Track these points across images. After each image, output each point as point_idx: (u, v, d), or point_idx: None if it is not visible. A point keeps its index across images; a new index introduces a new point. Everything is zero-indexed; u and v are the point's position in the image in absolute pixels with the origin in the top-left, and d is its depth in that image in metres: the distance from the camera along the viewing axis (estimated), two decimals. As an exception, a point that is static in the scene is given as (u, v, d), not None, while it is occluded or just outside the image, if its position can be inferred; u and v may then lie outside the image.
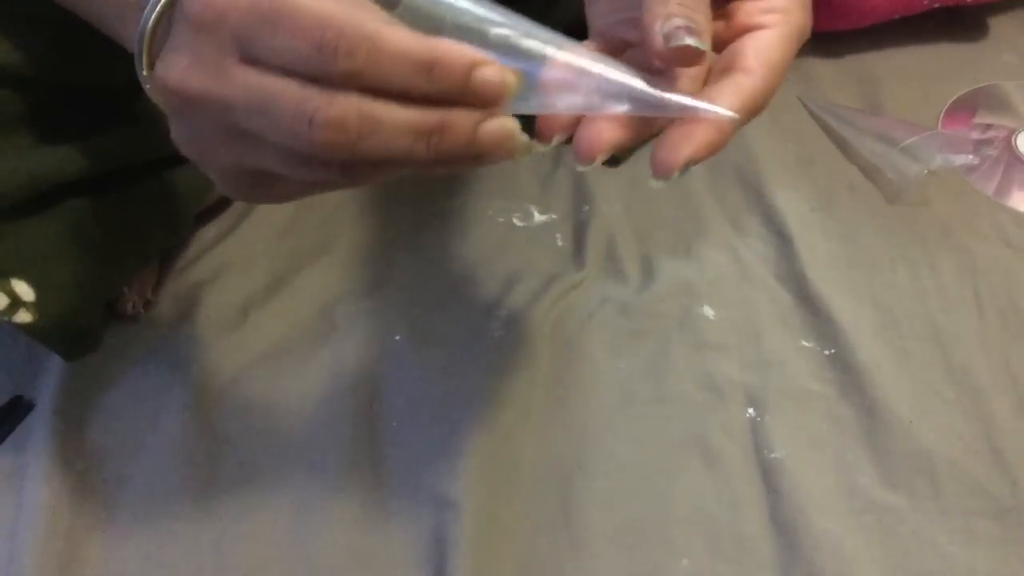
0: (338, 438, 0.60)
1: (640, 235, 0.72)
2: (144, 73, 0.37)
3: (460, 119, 0.32)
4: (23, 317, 0.52)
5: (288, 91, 0.31)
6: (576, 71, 0.35)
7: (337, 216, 0.75)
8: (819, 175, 0.75)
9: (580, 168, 0.37)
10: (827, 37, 0.86)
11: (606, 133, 0.36)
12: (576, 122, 0.37)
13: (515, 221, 0.74)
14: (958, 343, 0.63)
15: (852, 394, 0.60)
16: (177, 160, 0.62)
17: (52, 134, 0.53)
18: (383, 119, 0.31)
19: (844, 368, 0.62)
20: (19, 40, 0.49)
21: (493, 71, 0.32)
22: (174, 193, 0.62)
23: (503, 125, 0.33)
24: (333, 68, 0.31)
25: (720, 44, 0.39)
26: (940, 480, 0.56)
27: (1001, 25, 0.87)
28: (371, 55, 0.31)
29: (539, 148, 0.38)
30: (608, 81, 0.36)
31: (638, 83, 0.36)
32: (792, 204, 0.72)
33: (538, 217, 0.74)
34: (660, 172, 0.36)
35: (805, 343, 0.64)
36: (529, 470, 0.58)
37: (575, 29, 0.47)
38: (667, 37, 0.35)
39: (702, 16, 0.36)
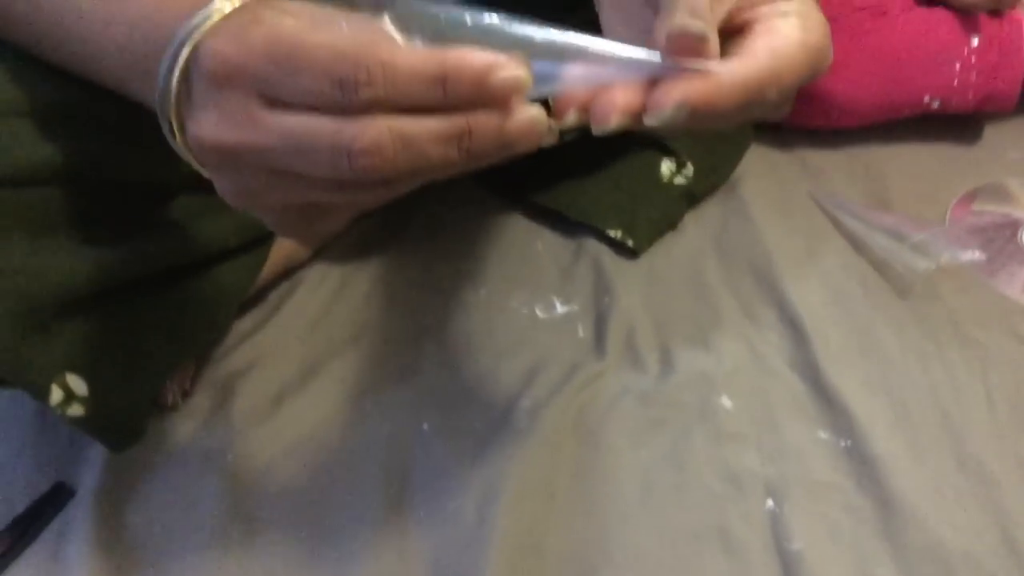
0: (367, 526, 0.62)
1: (659, 326, 0.75)
2: (176, 139, 0.40)
3: (485, 119, 0.34)
4: (76, 411, 0.54)
5: (320, 128, 0.33)
6: (587, 54, 0.37)
7: (367, 307, 0.78)
8: (831, 269, 0.78)
9: (595, 131, 0.38)
10: (835, 134, 0.90)
11: (619, 97, 0.37)
12: (589, 99, 0.38)
13: (537, 312, 0.76)
14: (970, 435, 0.65)
15: (868, 485, 0.62)
16: (219, 257, 0.65)
17: (102, 235, 0.55)
18: (414, 134, 0.33)
19: (860, 460, 0.63)
20: (67, 139, 0.52)
21: (506, 73, 0.33)
22: (217, 288, 0.65)
23: (530, 116, 0.34)
24: (356, 99, 0.32)
25: (733, 48, 0.40)
26: (955, 571, 0.57)
27: (1005, 123, 0.91)
28: (388, 79, 0.32)
29: (555, 126, 0.39)
30: (616, 57, 0.37)
31: (642, 52, 0.37)
32: (805, 297, 0.75)
33: (560, 308, 0.77)
34: (652, 109, 0.37)
35: (822, 434, 0.66)
36: (553, 560, 0.60)
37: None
38: (670, 33, 0.36)
39: (704, 23, 0.37)
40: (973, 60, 0.85)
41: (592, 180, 0.83)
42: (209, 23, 0.37)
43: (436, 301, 0.78)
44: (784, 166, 0.90)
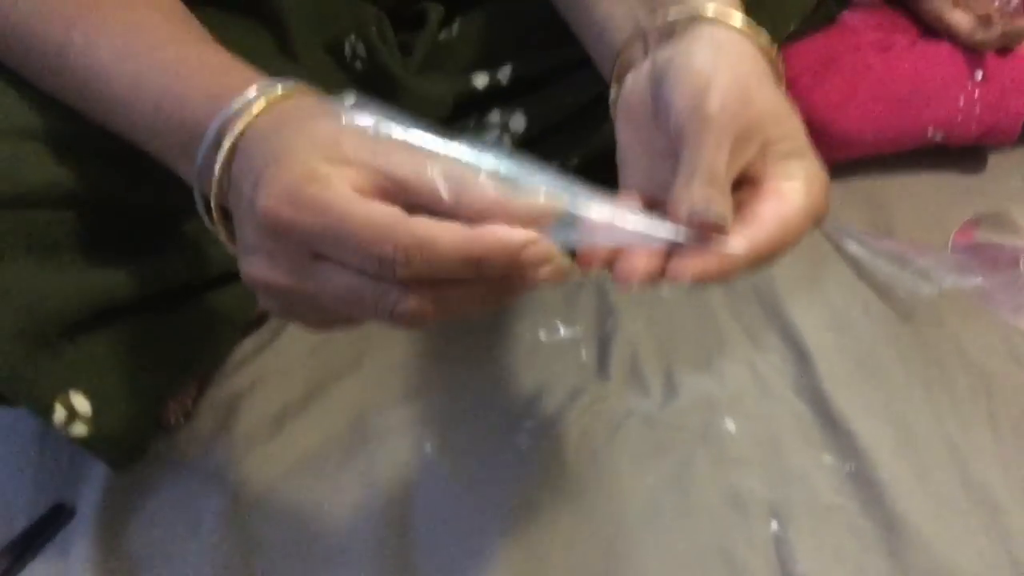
0: (369, 547, 0.62)
1: (663, 350, 0.74)
2: (212, 222, 0.43)
3: (517, 284, 0.37)
4: (79, 430, 0.54)
5: (365, 289, 0.36)
6: (612, 219, 0.39)
7: (369, 330, 0.78)
8: (834, 294, 0.78)
9: (618, 291, 0.41)
10: (837, 163, 0.90)
11: (641, 264, 0.40)
12: (613, 255, 0.41)
13: (541, 336, 0.76)
14: (974, 459, 0.65)
15: (873, 509, 0.62)
16: (224, 280, 0.65)
17: (108, 257, 0.56)
18: (452, 298, 0.36)
19: (864, 483, 0.63)
20: (75, 164, 0.52)
21: (538, 249, 0.36)
22: (221, 311, 0.65)
23: (555, 266, 0.37)
24: (395, 277, 0.35)
25: (744, 208, 0.42)
26: (962, 596, 0.57)
27: (1008, 152, 0.91)
28: (425, 260, 0.35)
29: (577, 272, 0.42)
30: (638, 229, 0.40)
31: (662, 225, 0.40)
32: (808, 322, 0.75)
33: (563, 332, 0.77)
34: (671, 279, 0.40)
35: (826, 458, 0.65)
36: (557, 582, 0.60)
37: (602, 159, 0.50)
38: (691, 215, 0.39)
39: (722, 203, 0.40)
40: (976, 94, 0.85)
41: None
42: (241, 124, 0.40)
43: (439, 324, 0.78)
44: (786, 192, 0.90)
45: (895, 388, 0.70)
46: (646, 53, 0.47)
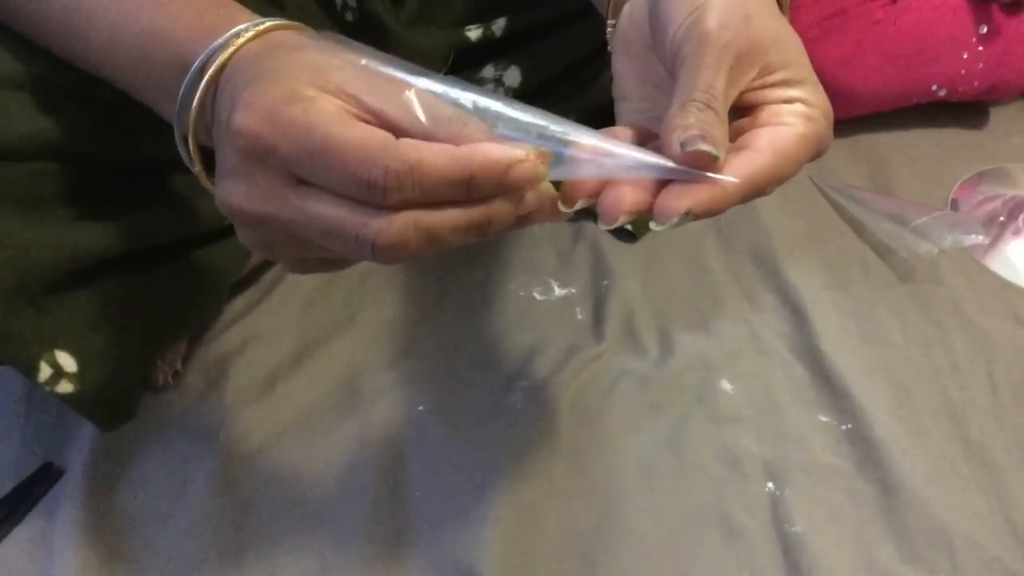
0: (362, 507, 0.61)
1: (658, 309, 0.74)
2: (193, 164, 0.42)
3: (503, 208, 0.35)
4: (64, 387, 0.53)
5: (346, 219, 0.34)
6: (599, 151, 0.38)
7: (362, 289, 0.77)
8: (832, 253, 0.77)
9: (603, 227, 0.39)
10: (838, 119, 0.89)
11: (628, 196, 0.38)
12: (598, 188, 0.39)
13: (535, 295, 0.75)
14: (972, 419, 0.64)
15: (870, 469, 0.61)
16: (213, 237, 0.64)
17: (94, 211, 0.55)
18: (436, 227, 0.34)
19: (861, 443, 0.63)
20: (61, 114, 0.51)
21: (527, 167, 0.34)
22: (210, 268, 0.64)
23: (542, 196, 0.36)
24: (383, 201, 0.33)
25: (739, 136, 0.40)
26: (958, 554, 0.57)
27: (1007, 110, 0.90)
28: (416, 183, 0.33)
29: (564, 209, 0.40)
30: (625, 156, 0.38)
31: (650, 157, 0.38)
32: (806, 281, 0.74)
33: (558, 291, 0.76)
34: (660, 218, 0.37)
35: (822, 418, 0.65)
36: (550, 541, 0.59)
37: (601, 115, 0.49)
38: (683, 144, 0.36)
39: (718, 129, 0.37)
40: (980, 49, 0.84)
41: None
42: (227, 53, 0.38)
43: (432, 283, 0.77)
44: (785, 150, 0.89)
45: (893, 348, 0.69)
46: None
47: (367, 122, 0.35)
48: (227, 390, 0.69)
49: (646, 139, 0.44)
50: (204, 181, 0.42)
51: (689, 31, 0.38)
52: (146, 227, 0.57)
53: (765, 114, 0.40)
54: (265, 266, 0.78)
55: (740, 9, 0.38)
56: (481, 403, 0.67)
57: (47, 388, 0.52)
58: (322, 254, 0.38)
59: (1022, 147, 0.87)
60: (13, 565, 0.59)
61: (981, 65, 0.84)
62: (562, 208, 0.39)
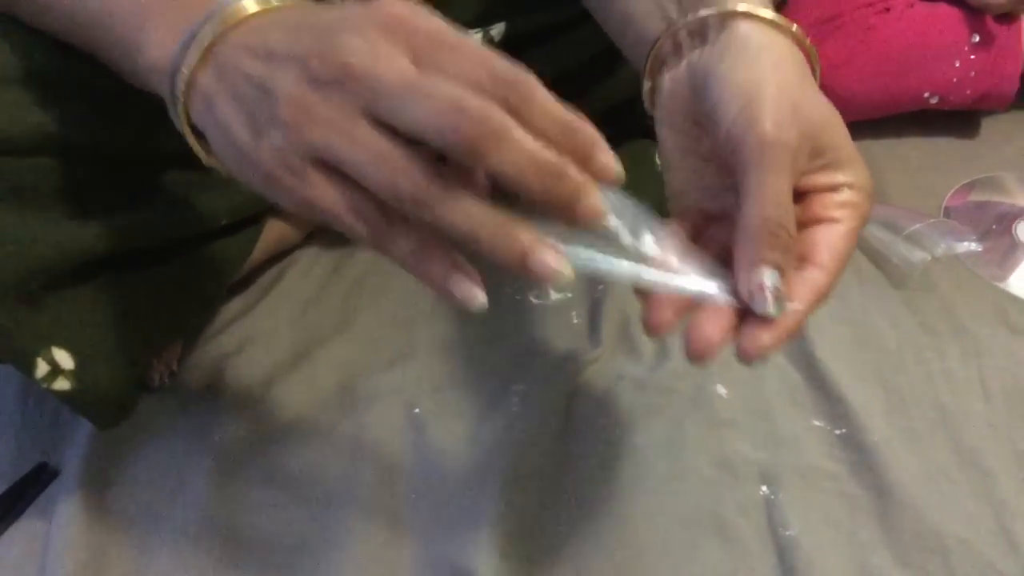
0: (358, 509, 0.61)
1: (653, 314, 0.74)
2: (182, 121, 0.40)
3: (576, 174, 0.35)
4: (61, 385, 0.53)
5: (439, 88, 0.33)
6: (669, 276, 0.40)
7: (358, 291, 0.77)
8: (826, 259, 0.78)
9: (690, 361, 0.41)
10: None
11: (715, 337, 0.40)
12: (678, 317, 0.42)
13: (531, 298, 0.76)
14: (965, 425, 0.65)
15: (863, 473, 0.62)
16: (211, 236, 0.64)
17: (93, 208, 0.55)
18: (517, 137, 0.33)
19: (855, 448, 0.63)
20: (57, 109, 0.51)
21: (608, 160, 0.36)
22: (208, 267, 0.64)
23: (597, 206, 0.36)
24: (496, 94, 0.34)
25: (796, 226, 0.42)
26: (951, 559, 0.57)
27: (1000, 119, 0.91)
28: (527, 102, 0.34)
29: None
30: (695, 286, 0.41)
31: (722, 294, 0.41)
32: (800, 287, 0.74)
33: (554, 294, 0.76)
34: (746, 358, 0.40)
35: (816, 422, 0.65)
36: (546, 544, 0.59)
37: (602, 120, 0.49)
38: (751, 296, 0.40)
39: (790, 256, 0.40)
40: (972, 58, 0.85)
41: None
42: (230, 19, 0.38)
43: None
44: (779, 158, 0.89)
45: (886, 353, 0.70)
46: (677, 51, 0.46)
47: None
48: (224, 391, 0.69)
49: (703, 226, 0.46)
50: (196, 148, 0.41)
51: (745, 129, 0.40)
52: (145, 225, 0.58)
53: (816, 206, 0.42)
54: (263, 267, 0.78)
55: (788, 99, 0.40)
56: (477, 406, 0.67)
57: (44, 385, 0.53)
58: (335, 211, 0.36)
59: (1015, 156, 0.88)
60: (8, 565, 0.59)
61: (973, 73, 0.85)
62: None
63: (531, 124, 0.34)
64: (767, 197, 0.39)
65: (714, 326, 0.40)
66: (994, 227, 0.79)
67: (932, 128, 0.90)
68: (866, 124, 0.90)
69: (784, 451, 0.63)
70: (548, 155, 0.34)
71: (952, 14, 0.85)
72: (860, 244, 0.78)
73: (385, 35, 0.34)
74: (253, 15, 0.38)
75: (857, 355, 0.70)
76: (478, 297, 0.37)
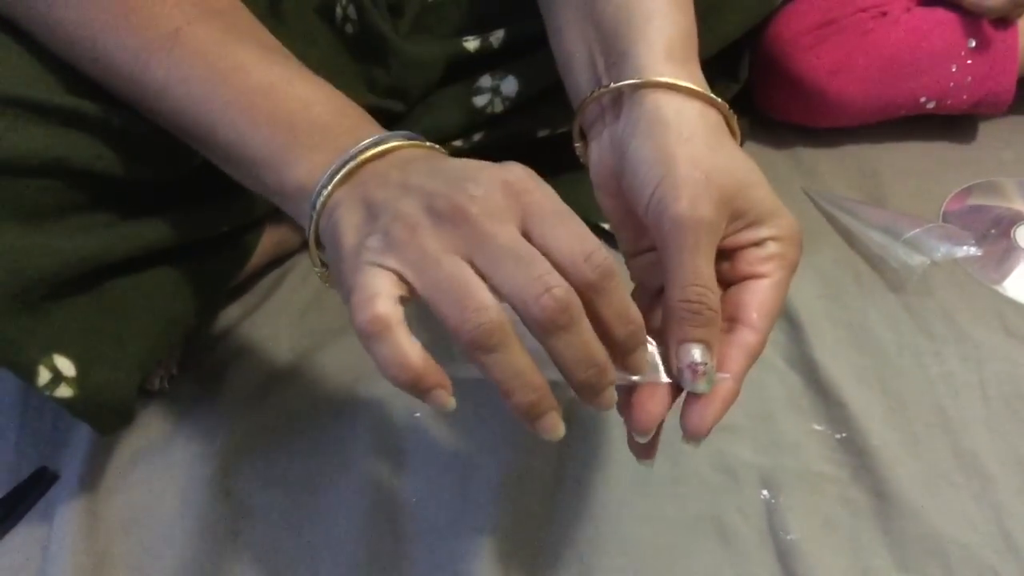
0: (359, 513, 0.61)
1: (653, 319, 0.74)
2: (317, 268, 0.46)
3: (611, 373, 0.39)
4: (64, 392, 0.53)
5: (536, 263, 0.36)
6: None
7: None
8: (825, 264, 0.78)
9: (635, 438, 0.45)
10: (829, 131, 0.90)
11: (655, 411, 0.43)
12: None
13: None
14: (965, 429, 0.65)
15: (864, 477, 0.62)
16: (210, 242, 0.64)
17: (98, 218, 0.55)
18: (584, 328, 0.37)
19: (855, 452, 0.63)
20: (81, 138, 0.51)
21: (639, 359, 0.41)
22: (207, 272, 0.64)
23: (611, 403, 0.40)
24: (583, 275, 0.37)
25: (723, 283, 0.45)
26: (951, 562, 0.57)
27: (998, 124, 0.91)
28: (606, 293, 0.37)
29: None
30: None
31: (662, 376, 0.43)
32: (800, 291, 0.75)
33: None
34: (694, 436, 0.43)
35: (816, 426, 0.65)
36: (547, 548, 0.59)
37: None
38: (680, 372, 0.42)
39: (713, 330, 0.42)
40: (969, 63, 0.85)
41: (586, 173, 0.83)
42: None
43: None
44: (778, 163, 0.90)
45: (886, 357, 0.70)
46: (601, 118, 0.48)
47: None
48: (223, 396, 0.69)
49: (653, 299, 0.48)
50: (324, 278, 0.46)
51: (660, 211, 0.42)
52: (145, 233, 0.57)
53: (742, 264, 0.44)
54: (262, 272, 0.78)
55: (699, 173, 0.42)
56: (477, 411, 0.67)
57: (46, 392, 0.52)
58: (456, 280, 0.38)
59: (1013, 161, 0.88)
60: (7, 570, 0.59)
61: (970, 79, 0.85)
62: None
63: (600, 311, 0.38)
64: (686, 277, 0.41)
65: (656, 403, 0.43)
66: (992, 231, 0.80)
67: (930, 133, 0.91)
68: (864, 129, 0.90)
69: (784, 455, 0.64)
70: (600, 353, 0.38)
71: (949, 19, 0.85)
72: (859, 248, 0.79)
73: (505, 193, 0.38)
74: (398, 147, 0.42)
75: (857, 359, 0.70)
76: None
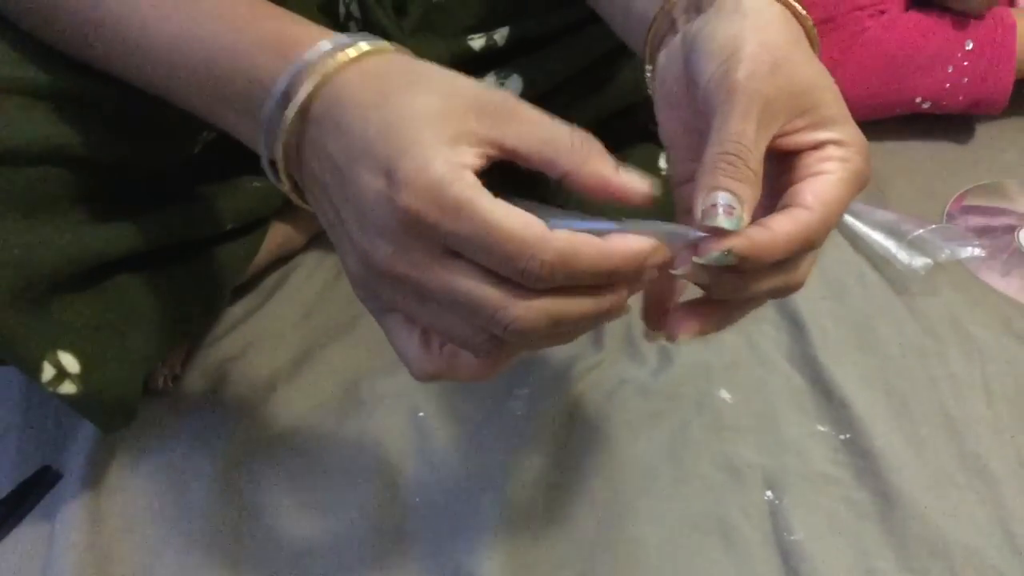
0: (362, 513, 0.61)
1: (657, 319, 0.74)
2: (280, 179, 0.41)
3: (623, 297, 0.38)
4: (67, 388, 0.53)
5: (488, 297, 0.36)
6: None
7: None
8: (829, 264, 0.78)
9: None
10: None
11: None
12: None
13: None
14: (969, 430, 0.65)
15: (868, 479, 0.62)
16: (215, 239, 0.64)
17: (101, 212, 0.55)
18: (568, 315, 0.36)
19: (859, 453, 0.63)
20: (66, 122, 0.51)
21: (660, 255, 0.37)
22: (213, 270, 0.64)
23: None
24: (532, 285, 0.35)
25: (782, 192, 0.41)
26: (955, 564, 0.57)
27: (1001, 124, 0.91)
28: (565, 274, 0.35)
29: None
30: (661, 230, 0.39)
31: (680, 228, 0.40)
32: (803, 292, 0.73)
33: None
34: (701, 252, 0.38)
35: (820, 427, 0.65)
36: (551, 548, 0.59)
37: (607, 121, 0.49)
38: (704, 213, 0.38)
39: (748, 187, 0.38)
40: (966, 64, 0.85)
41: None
42: (316, 80, 0.38)
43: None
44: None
45: (890, 358, 0.70)
46: (672, 28, 0.46)
47: (492, 156, 0.37)
48: (227, 395, 0.69)
49: None
50: (296, 201, 0.43)
51: (719, 82, 0.39)
52: (151, 229, 0.57)
53: (801, 165, 0.41)
54: (267, 271, 0.78)
55: (768, 58, 0.40)
56: (481, 410, 0.67)
57: (50, 389, 0.52)
58: (432, 321, 0.38)
59: (1016, 162, 0.88)
60: (11, 568, 0.59)
61: (966, 80, 0.85)
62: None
63: (576, 283, 0.36)
64: (727, 135, 0.39)
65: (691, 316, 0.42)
66: (997, 233, 0.80)
67: (934, 134, 0.91)
68: (868, 128, 0.88)
69: (788, 456, 0.63)
70: (595, 305, 0.37)
71: (946, 19, 0.85)
72: (863, 249, 0.79)
73: (408, 232, 0.36)
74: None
75: (861, 360, 0.70)
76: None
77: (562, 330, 0.37)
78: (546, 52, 0.71)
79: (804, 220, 0.39)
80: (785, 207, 0.40)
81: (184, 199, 0.61)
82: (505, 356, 0.40)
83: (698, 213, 0.38)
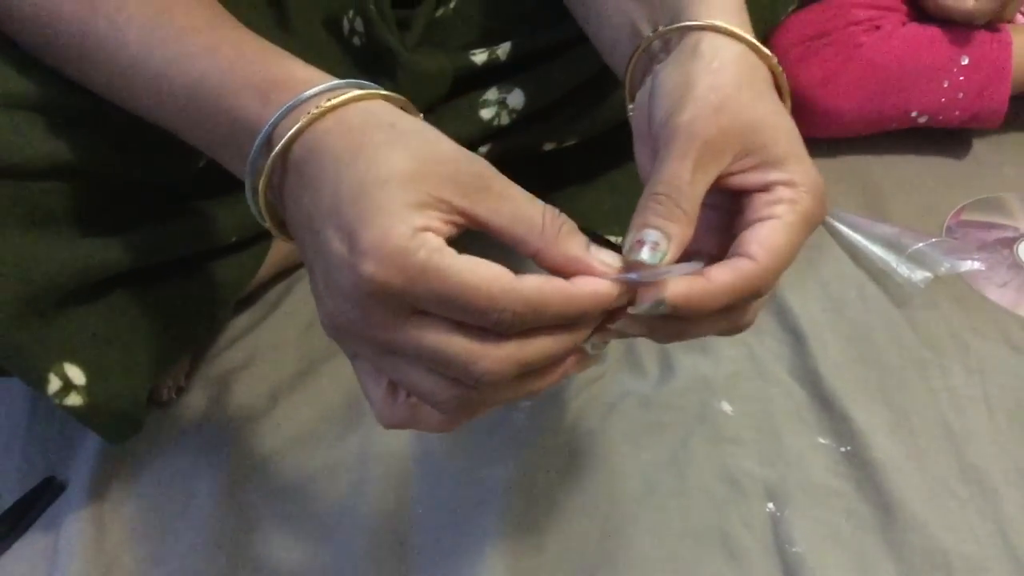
0: (364, 523, 0.61)
1: (658, 332, 0.74)
2: (267, 224, 0.42)
3: (585, 334, 0.38)
4: (74, 400, 0.53)
5: (457, 350, 0.36)
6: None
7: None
8: (829, 278, 0.78)
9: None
10: (831, 145, 0.91)
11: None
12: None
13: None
14: (969, 442, 0.65)
15: (869, 491, 0.62)
16: (220, 251, 0.65)
17: (106, 226, 0.55)
18: (537, 359, 0.37)
19: (860, 465, 0.63)
20: (71, 137, 0.51)
21: (623, 297, 0.38)
22: (217, 282, 0.65)
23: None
24: (502, 332, 0.36)
25: (732, 228, 0.42)
26: (956, 575, 0.57)
27: (1000, 139, 0.92)
28: (535, 319, 0.36)
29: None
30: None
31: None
32: (804, 304, 0.75)
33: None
34: (638, 302, 0.39)
35: (821, 439, 0.66)
36: (553, 559, 0.59)
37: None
38: (630, 249, 0.39)
39: (676, 225, 0.39)
40: (962, 79, 0.86)
41: (591, 185, 0.83)
42: (297, 127, 0.38)
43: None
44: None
45: (890, 370, 0.70)
46: (647, 69, 0.46)
47: (461, 225, 0.37)
48: (231, 406, 0.69)
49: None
50: (276, 234, 0.43)
51: (663, 124, 0.41)
52: (155, 242, 0.58)
53: (751, 209, 0.41)
54: (270, 283, 0.78)
55: (714, 99, 0.40)
56: (484, 421, 0.67)
57: (56, 401, 0.53)
58: (402, 377, 0.38)
59: (1015, 177, 0.88)
60: (15, 578, 0.60)
61: (962, 95, 0.86)
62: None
63: (545, 325, 0.37)
64: (661, 176, 0.39)
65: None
66: (996, 247, 0.80)
67: (933, 148, 0.91)
68: (866, 143, 0.90)
69: (790, 468, 0.64)
70: (557, 346, 0.38)
71: (943, 34, 0.86)
72: (863, 263, 0.79)
73: (373, 302, 0.36)
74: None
75: (861, 373, 0.70)
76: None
77: (531, 373, 0.38)
78: (548, 67, 0.72)
79: (746, 271, 0.39)
80: (733, 255, 0.40)
81: (187, 213, 0.62)
82: (467, 413, 0.40)
83: (625, 248, 0.39)
